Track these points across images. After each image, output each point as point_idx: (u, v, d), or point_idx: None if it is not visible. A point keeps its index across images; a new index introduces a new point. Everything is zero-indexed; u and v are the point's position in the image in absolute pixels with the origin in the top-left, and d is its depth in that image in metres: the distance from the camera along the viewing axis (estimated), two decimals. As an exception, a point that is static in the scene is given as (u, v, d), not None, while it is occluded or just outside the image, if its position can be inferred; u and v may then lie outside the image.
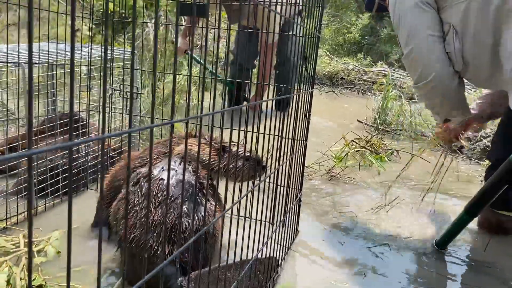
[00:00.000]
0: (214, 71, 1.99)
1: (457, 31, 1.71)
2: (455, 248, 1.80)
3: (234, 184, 1.51)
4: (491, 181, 1.58)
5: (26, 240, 1.53)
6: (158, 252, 1.28)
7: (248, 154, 1.62)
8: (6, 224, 1.63)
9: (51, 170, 1.86)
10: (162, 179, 1.38)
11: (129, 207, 1.36)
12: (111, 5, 5.31)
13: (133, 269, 1.33)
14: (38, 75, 2.13)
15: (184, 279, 1.27)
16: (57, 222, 1.73)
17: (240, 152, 1.62)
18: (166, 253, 1.28)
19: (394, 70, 6.65)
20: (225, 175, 1.62)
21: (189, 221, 1.33)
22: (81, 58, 1.98)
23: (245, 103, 3.35)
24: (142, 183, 1.40)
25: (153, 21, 5.15)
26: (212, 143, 1.59)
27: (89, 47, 1.92)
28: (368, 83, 6.22)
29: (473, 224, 1.94)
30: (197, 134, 1.66)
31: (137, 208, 1.34)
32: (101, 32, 3.87)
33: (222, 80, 3.43)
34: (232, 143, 1.62)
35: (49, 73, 2.04)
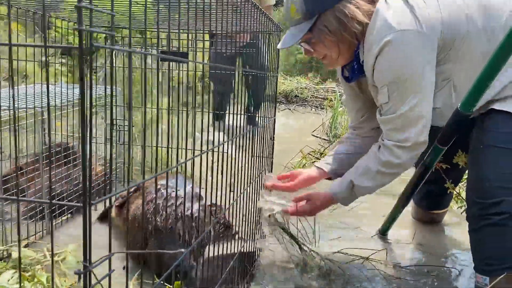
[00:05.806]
0: None
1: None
2: (394, 233, 2.29)
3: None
4: (414, 175, 2.03)
5: (49, 252, 1.85)
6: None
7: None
8: (28, 241, 1.94)
9: (59, 195, 2.18)
10: (173, 190, 1.76)
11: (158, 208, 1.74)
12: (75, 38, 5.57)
13: (159, 258, 1.68)
14: (34, 118, 2.43)
15: (194, 263, 1.65)
16: (68, 237, 2.05)
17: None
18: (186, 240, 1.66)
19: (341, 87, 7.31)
20: None
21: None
22: (61, 99, 2.28)
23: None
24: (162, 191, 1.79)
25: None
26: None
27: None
28: (320, 99, 6.83)
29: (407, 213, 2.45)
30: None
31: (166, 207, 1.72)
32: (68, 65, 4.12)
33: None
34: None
35: (42, 118, 2.35)
